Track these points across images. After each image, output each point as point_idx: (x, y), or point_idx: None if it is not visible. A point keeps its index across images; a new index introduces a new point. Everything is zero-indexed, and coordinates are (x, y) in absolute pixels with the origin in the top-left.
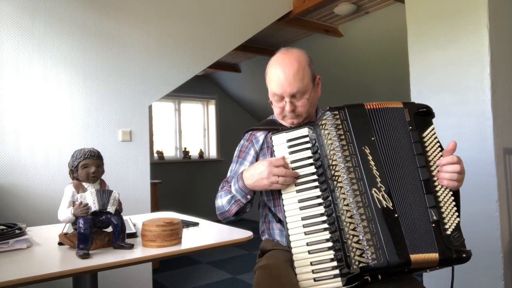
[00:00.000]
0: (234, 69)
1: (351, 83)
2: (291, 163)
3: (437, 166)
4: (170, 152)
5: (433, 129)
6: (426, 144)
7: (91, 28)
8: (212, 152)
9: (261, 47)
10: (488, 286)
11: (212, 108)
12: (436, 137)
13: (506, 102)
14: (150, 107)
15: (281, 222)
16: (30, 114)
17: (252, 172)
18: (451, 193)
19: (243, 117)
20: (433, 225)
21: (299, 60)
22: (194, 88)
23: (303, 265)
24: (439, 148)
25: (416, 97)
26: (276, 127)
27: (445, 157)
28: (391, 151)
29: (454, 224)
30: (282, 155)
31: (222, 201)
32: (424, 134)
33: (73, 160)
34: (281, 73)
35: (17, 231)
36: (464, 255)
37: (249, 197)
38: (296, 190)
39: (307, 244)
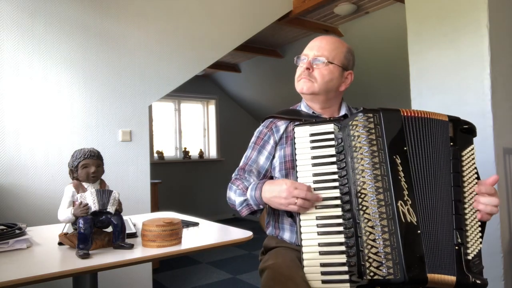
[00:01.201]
0: (234, 69)
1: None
2: (312, 158)
3: (470, 188)
4: (170, 152)
5: (473, 148)
6: (464, 163)
7: (91, 28)
8: (212, 152)
9: (261, 47)
10: (488, 286)
11: (212, 108)
12: (474, 158)
13: (506, 102)
14: (150, 107)
15: (293, 217)
16: (30, 114)
17: (272, 187)
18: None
19: (243, 117)
20: (456, 247)
21: (340, 41)
22: (194, 88)
23: (312, 265)
24: (475, 170)
25: (416, 97)
26: (299, 118)
27: (481, 186)
28: (423, 164)
29: (477, 250)
30: (303, 149)
31: (235, 198)
32: (464, 153)
33: (73, 160)
34: (317, 40)
35: (17, 231)
36: (479, 282)
37: (261, 206)
38: (314, 188)
39: (319, 245)
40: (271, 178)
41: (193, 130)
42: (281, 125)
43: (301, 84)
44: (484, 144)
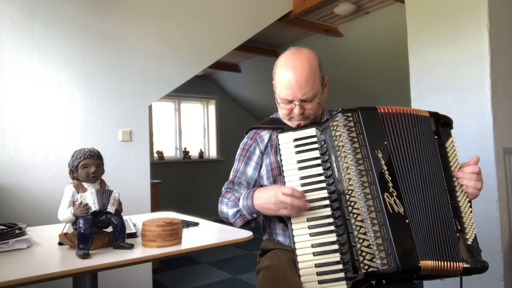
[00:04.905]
0: (234, 69)
1: (351, 83)
2: (298, 163)
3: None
4: (170, 152)
5: (453, 140)
6: (449, 154)
7: (91, 28)
8: (212, 152)
9: (261, 47)
10: (488, 286)
11: (212, 108)
12: (455, 149)
13: (506, 102)
14: (150, 107)
15: (284, 221)
16: (30, 114)
17: (262, 194)
18: (470, 204)
19: (243, 117)
20: (457, 234)
21: (310, 63)
22: (194, 88)
23: (308, 267)
24: (458, 160)
25: (416, 97)
26: (281, 126)
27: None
28: (407, 157)
29: (474, 235)
30: (288, 155)
31: (228, 211)
32: (447, 145)
33: (73, 160)
34: (291, 77)
35: (17, 231)
36: (482, 266)
37: (255, 215)
38: (303, 191)
39: (312, 246)
40: (261, 187)
41: (193, 130)
42: (265, 134)
43: (295, 123)
44: (484, 144)
